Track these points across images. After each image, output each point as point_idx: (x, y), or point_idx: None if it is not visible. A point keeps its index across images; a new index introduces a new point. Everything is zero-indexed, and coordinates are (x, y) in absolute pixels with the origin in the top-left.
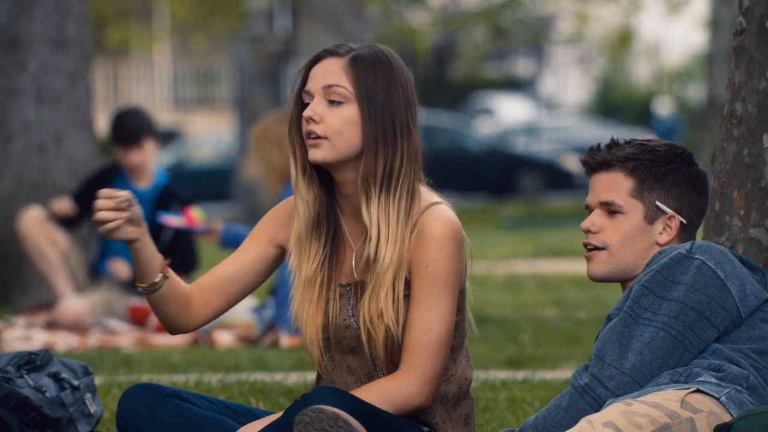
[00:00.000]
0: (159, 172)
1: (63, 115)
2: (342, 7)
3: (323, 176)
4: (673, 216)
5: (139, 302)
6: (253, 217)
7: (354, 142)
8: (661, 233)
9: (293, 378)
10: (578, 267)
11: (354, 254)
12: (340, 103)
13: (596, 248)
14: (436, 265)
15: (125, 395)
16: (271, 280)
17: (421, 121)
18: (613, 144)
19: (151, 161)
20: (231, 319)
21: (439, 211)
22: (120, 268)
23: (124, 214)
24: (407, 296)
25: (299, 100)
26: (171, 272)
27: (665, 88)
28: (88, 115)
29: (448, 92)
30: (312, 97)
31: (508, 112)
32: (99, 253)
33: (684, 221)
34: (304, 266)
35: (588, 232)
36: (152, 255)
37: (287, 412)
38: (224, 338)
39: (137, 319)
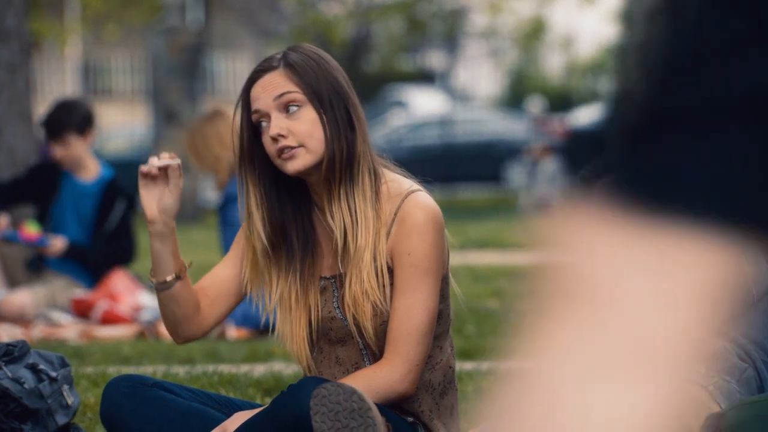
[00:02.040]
0: (104, 167)
1: (2, 107)
2: (256, 0)
3: (281, 190)
4: None
5: (82, 294)
6: None
7: (321, 139)
8: None
9: (260, 369)
10: (508, 258)
11: (333, 246)
12: (296, 107)
13: None
14: (418, 252)
15: (109, 387)
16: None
17: None
18: None
19: (82, 155)
20: None
21: (419, 198)
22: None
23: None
24: (391, 284)
25: (249, 127)
26: (186, 276)
27: (578, 81)
28: (28, 107)
29: (362, 85)
30: (265, 115)
31: (422, 104)
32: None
33: None
34: (273, 284)
35: None
36: (171, 251)
37: (275, 401)
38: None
39: (81, 311)
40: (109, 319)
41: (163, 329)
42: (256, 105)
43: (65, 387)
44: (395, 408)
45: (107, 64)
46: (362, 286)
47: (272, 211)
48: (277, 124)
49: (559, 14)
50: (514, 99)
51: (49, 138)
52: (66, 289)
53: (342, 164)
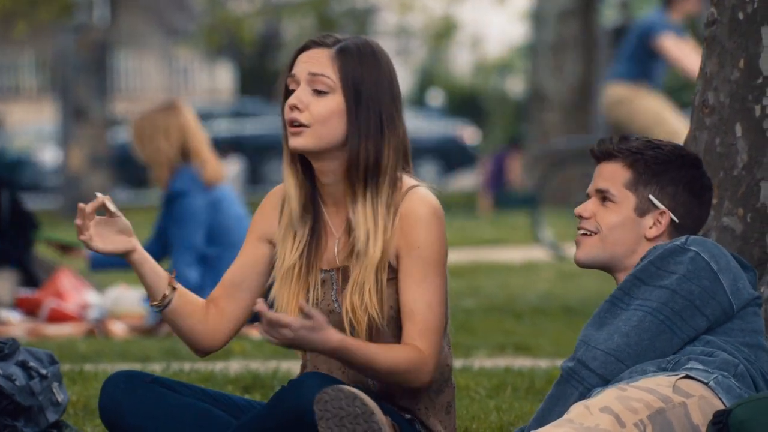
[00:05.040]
0: None
1: None
2: None
3: (307, 166)
4: (664, 212)
5: (28, 293)
6: (76, 208)
7: (337, 132)
8: (650, 228)
9: (234, 367)
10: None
11: (336, 242)
12: (324, 93)
13: (587, 234)
14: (427, 245)
15: (107, 383)
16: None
17: (242, 110)
18: (623, 138)
19: None
20: (123, 309)
21: (420, 193)
22: None
23: (89, 224)
24: (391, 279)
25: (286, 87)
26: (179, 285)
27: (486, 80)
28: None
29: (272, 83)
30: (297, 83)
31: None
32: None
33: (675, 220)
34: (287, 254)
35: (580, 217)
36: (154, 269)
37: (274, 398)
38: (117, 329)
39: (28, 309)
40: (56, 318)
41: (112, 327)
42: (294, 69)
43: (55, 384)
44: (394, 404)
45: (13, 61)
46: (362, 300)
47: (304, 176)
48: (298, 95)
49: (469, 13)
50: (421, 97)
51: None
52: (11, 287)
53: (368, 167)
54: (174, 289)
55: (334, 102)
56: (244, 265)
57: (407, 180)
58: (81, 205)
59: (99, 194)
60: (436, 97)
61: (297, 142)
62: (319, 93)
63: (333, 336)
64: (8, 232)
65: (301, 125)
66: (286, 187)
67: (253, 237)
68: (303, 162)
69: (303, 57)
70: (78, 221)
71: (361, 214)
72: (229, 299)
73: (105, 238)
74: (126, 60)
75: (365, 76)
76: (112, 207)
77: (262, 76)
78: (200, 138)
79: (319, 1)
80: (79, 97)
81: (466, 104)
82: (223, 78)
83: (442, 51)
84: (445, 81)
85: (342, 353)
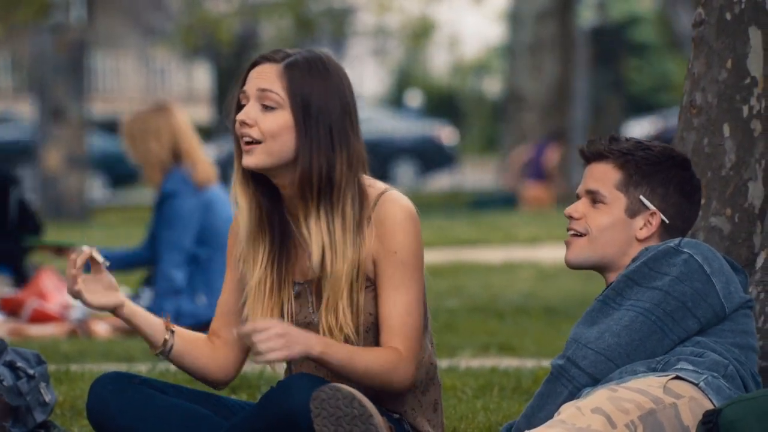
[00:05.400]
0: None
1: None
2: None
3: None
4: (654, 213)
5: (10, 292)
6: (53, 209)
7: (287, 147)
8: (641, 229)
9: None
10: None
11: (309, 254)
12: (272, 108)
13: (576, 234)
14: (404, 249)
15: (96, 384)
16: (146, 269)
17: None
18: (613, 138)
19: None
20: None
21: (392, 197)
22: None
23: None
24: (367, 288)
25: (238, 106)
26: (176, 327)
27: (464, 80)
28: None
29: None
30: (248, 99)
31: None
32: None
33: (666, 221)
34: (251, 269)
35: (570, 218)
36: (147, 318)
37: (263, 398)
38: (100, 329)
39: (10, 309)
40: (38, 318)
41: (95, 327)
42: (245, 85)
43: (42, 384)
44: (381, 404)
45: None
46: (337, 320)
47: (257, 191)
48: (247, 111)
49: (446, 14)
50: (398, 98)
51: None
52: None
53: (320, 182)
54: (173, 332)
55: (283, 118)
56: (231, 291)
57: (377, 185)
58: (73, 256)
59: (86, 247)
60: (414, 98)
61: (249, 160)
62: (267, 108)
63: (311, 334)
64: (14, 232)
65: (252, 142)
66: (237, 203)
67: (230, 261)
68: (261, 175)
69: (253, 73)
70: (72, 271)
71: (314, 231)
72: (229, 328)
73: (94, 293)
74: (103, 60)
75: (314, 91)
76: (99, 258)
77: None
78: (192, 139)
79: (297, 1)
80: (57, 98)
81: (443, 104)
82: (200, 78)
83: (420, 51)
84: (422, 81)
85: (324, 347)
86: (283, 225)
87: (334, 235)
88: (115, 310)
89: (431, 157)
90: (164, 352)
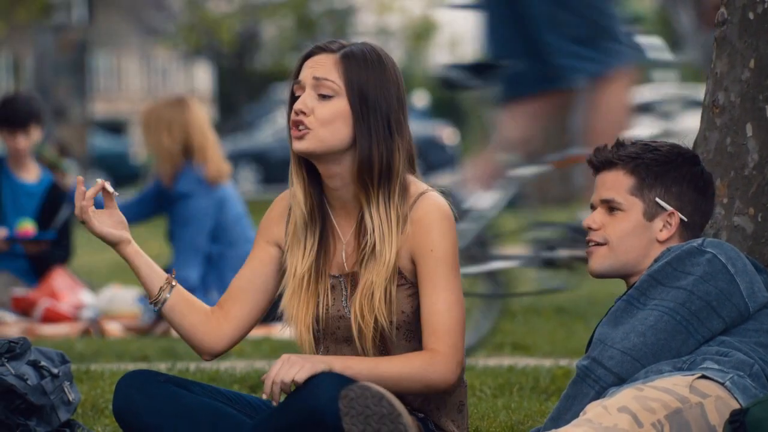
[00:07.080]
0: (42, 169)
1: None
2: None
3: (314, 171)
4: (672, 213)
5: (23, 292)
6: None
7: (342, 135)
8: (661, 230)
9: (240, 366)
10: None
11: (344, 246)
12: (329, 96)
13: (597, 244)
14: (441, 247)
15: (122, 382)
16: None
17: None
18: (618, 144)
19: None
20: (117, 309)
21: (432, 197)
22: None
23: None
24: (401, 285)
25: (293, 94)
26: (177, 283)
27: None
28: None
29: (251, 83)
30: (303, 89)
31: None
32: None
33: (684, 219)
34: (298, 261)
35: (589, 229)
36: (150, 266)
37: (289, 396)
38: (112, 328)
39: (22, 309)
40: (50, 317)
41: (108, 326)
42: (300, 75)
43: (66, 383)
44: (406, 405)
45: None
46: (372, 307)
47: (310, 182)
48: (304, 100)
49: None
50: None
51: (16, 127)
52: (6, 287)
53: (381, 170)
54: (173, 287)
55: (339, 105)
56: (252, 268)
57: (418, 185)
58: (82, 188)
59: (99, 179)
60: (421, 99)
61: (300, 145)
62: (323, 97)
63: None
64: (62, 241)
65: (306, 128)
66: (293, 191)
67: (261, 240)
68: (309, 167)
69: (308, 63)
70: (83, 201)
71: (376, 218)
72: (235, 302)
73: (102, 222)
74: (105, 60)
75: (370, 81)
76: (110, 189)
77: (241, 77)
78: (205, 136)
79: (298, 1)
80: (59, 98)
81: (444, 105)
82: (201, 78)
83: (421, 51)
84: (423, 81)
85: (345, 359)
86: (325, 217)
87: (390, 224)
88: (119, 245)
89: (432, 156)
90: (157, 302)
